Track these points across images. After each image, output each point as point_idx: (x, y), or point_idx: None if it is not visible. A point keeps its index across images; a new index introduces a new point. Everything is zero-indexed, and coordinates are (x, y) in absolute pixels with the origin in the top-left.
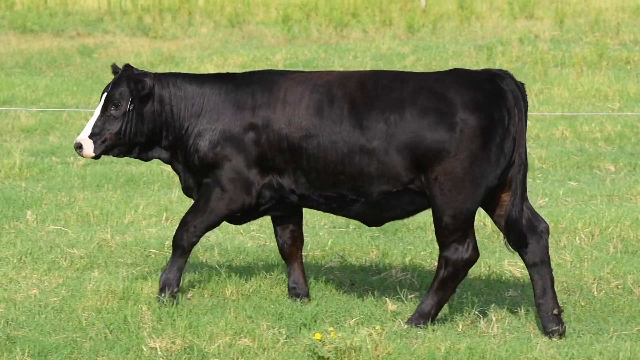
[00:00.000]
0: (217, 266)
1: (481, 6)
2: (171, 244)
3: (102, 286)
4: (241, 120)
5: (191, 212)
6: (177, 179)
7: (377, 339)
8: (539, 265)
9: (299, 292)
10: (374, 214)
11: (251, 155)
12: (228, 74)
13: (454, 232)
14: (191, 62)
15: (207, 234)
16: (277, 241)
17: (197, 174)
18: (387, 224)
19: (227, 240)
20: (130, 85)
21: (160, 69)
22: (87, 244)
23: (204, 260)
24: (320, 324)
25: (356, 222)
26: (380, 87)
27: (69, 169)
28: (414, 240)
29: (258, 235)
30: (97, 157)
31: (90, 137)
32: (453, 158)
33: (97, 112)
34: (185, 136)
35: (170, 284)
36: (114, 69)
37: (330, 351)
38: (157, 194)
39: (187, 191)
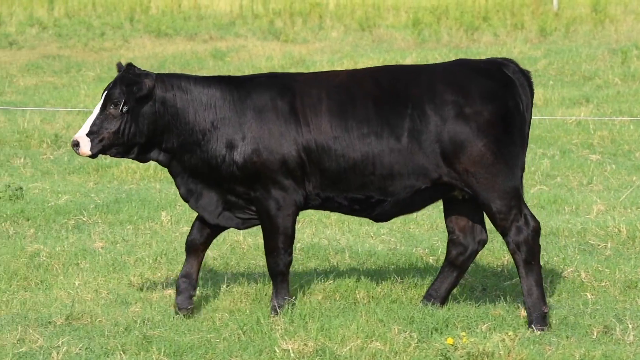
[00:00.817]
0: (348, 269)
1: (615, 9)
2: (269, 272)
3: (235, 287)
4: (268, 126)
5: (269, 236)
6: None
7: (510, 345)
8: (456, 267)
9: (185, 288)
10: (395, 212)
11: (285, 160)
12: (231, 77)
13: (509, 213)
14: (322, 65)
15: (338, 237)
16: (191, 233)
17: (233, 183)
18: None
19: (357, 244)
20: (125, 87)
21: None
22: (220, 245)
23: (335, 264)
24: (452, 329)
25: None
26: (397, 83)
27: None
28: (546, 245)
29: (388, 239)
30: (93, 155)
31: (87, 135)
32: (478, 147)
33: (97, 110)
34: (207, 144)
35: (283, 308)
36: (119, 67)
37: (462, 356)
38: None
39: (187, 195)
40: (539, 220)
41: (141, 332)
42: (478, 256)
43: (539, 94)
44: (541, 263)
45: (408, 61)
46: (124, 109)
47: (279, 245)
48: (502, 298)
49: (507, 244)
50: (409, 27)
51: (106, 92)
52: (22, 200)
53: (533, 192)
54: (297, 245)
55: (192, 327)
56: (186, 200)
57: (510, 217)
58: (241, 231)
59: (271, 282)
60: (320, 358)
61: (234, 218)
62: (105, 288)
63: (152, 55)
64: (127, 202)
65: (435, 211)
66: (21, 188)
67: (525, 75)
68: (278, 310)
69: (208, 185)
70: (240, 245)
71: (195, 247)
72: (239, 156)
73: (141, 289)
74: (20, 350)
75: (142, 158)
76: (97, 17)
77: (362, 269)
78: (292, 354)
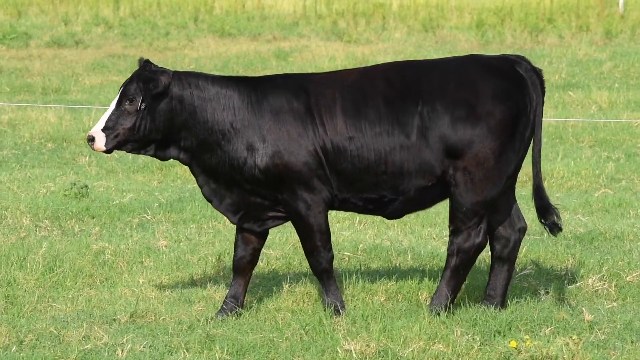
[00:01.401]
0: (410, 271)
1: None
2: (313, 272)
3: (297, 287)
4: (286, 128)
5: (305, 237)
6: None
7: (574, 349)
8: (505, 260)
9: (232, 308)
10: (407, 210)
11: (307, 160)
12: (246, 77)
13: (471, 219)
14: None
15: (400, 238)
16: (236, 253)
17: (257, 185)
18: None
19: (420, 245)
20: (141, 84)
21: None
22: (282, 245)
23: (397, 265)
24: (515, 332)
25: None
26: (408, 81)
27: None
28: (611, 249)
29: None
30: (108, 151)
31: (103, 130)
32: (485, 148)
33: (113, 105)
34: (228, 145)
35: (339, 302)
36: (140, 62)
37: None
38: None
39: (211, 195)
40: (486, 239)
41: (204, 331)
42: (541, 259)
43: (604, 96)
44: (605, 267)
45: None
46: (142, 106)
47: (317, 244)
48: (565, 301)
49: (450, 243)
50: (473, 29)
51: (122, 88)
52: (87, 198)
53: (597, 195)
54: (359, 246)
55: (254, 327)
56: (209, 200)
57: (469, 224)
58: None
59: (320, 282)
60: (382, 359)
61: (255, 219)
62: (168, 286)
63: (215, 55)
64: (190, 201)
65: None
66: (86, 186)
67: (537, 72)
68: (336, 306)
69: (230, 186)
70: None
71: (243, 267)
72: (260, 159)
73: (204, 288)
74: (86, 347)
75: (161, 155)
76: (161, 16)
77: (425, 271)
78: (354, 355)
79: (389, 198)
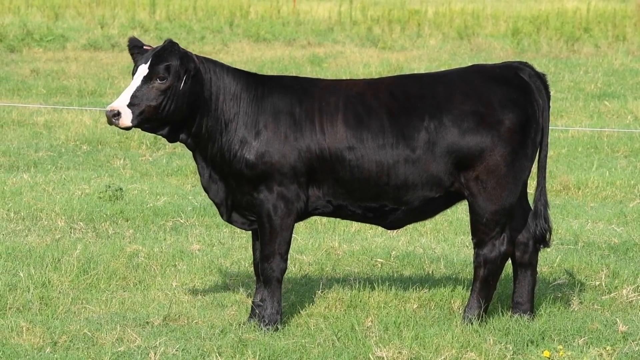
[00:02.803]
0: (443, 278)
1: None
2: (262, 277)
3: (329, 293)
4: (284, 129)
5: (268, 241)
6: None
7: None
8: (527, 266)
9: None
10: (409, 220)
11: (295, 165)
12: (256, 75)
13: (494, 229)
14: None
15: (433, 245)
16: (255, 257)
17: (240, 181)
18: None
19: (452, 253)
20: (185, 62)
21: None
22: (315, 251)
23: (430, 272)
24: (548, 342)
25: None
26: (414, 94)
27: None
28: None
29: None
30: (130, 128)
31: (129, 106)
32: (495, 157)
33: (137, 82)
34: (226, 135)
35: (275, 317)
36: (133, 41)
37: None
38: None
39: (208, 184)
40: (513, 245)
41: (237, 335)
42: (575, 269)
43: None
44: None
45: None
46: (186, 84)
47: (277, 251)
48: (599, 312)
49: (476, 255)
50: (508, 37)
51: (145, 64)
52: (121, 200)
53: (632, 205)
54: (392, 253)
55: (286, 332)
56: (206, 190)
57: (492, 234)
58: (336, 237)
59: (267, 289)
60: None
61: (241, 218)
62: (201, 290)
63: (250, 59)
64: None
65: None
66: (121, 189)
67: (542, 78)
68: (271, 317)
69: (224, 179)
70: (336, 251)
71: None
72: (249, 154)
73: (237, 292)
74: (119, 349)
75: (172, 137)
76: (197, 21)
77: (458, 279)
78: None
79: (391, 208)
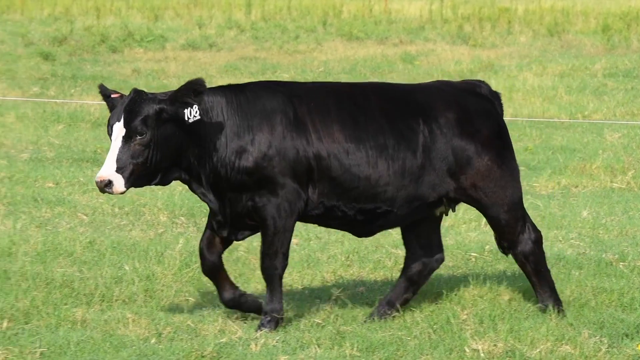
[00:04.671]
0: None
1: None
2: (264, 275)
3: (425, 287)
4: (277, 134)
5: (271, 240)
6: None
7: None
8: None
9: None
10: (391, 225)
11: (292, 168)
12: (230, 85)
13: (516, 225)
14: (510, 70)
15: None
16: (204, 259)
17: (241, 191)
18: None
19: (546, 248)
20: (188, 98)
21: (480, 77)
22: None
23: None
24: None
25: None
26: (404, 99)
27: None
28: None
29: (577, 244)
30: (125, 192)
31: (117, 171)
32: (484, 161)
33: (117, 143)
34: (216, 155)
35: (278, 312)
36: (102, 89)
37: None
38: None
39: (217, 207)
40: (538, 230)
41: (334, 328)
42: None
43: None
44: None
45: (597, 67)
46: (196, 116)
47: (279, 249)
48: None
49: (515, 255)
50: (599, 33)
51: (119, 123)
52: None
53: None
54: (486, 247)
55: (383, 325)
56: (216, 213)
57: (517, 230)
58: None
59: (267, 287)
60: (509, 359)
61: (235, 229)
62: (299, 283)
63: (343, 58)
64: None
65: (624, 217)
66: None
67: (497, 96)
68: (275, 315)
69: (221, 196)
70: None
71: (217, 270)
72: (247, 162)
73: (334, 285)
74: (221, 340)
75: (165, 181)
76: (291, 20)
77: (552, 273)
78: (481, 355)
79: (384, 210)
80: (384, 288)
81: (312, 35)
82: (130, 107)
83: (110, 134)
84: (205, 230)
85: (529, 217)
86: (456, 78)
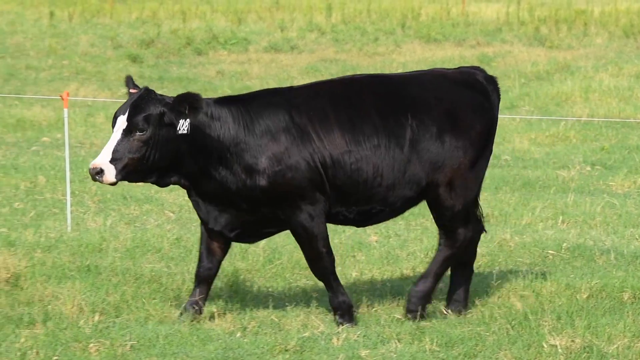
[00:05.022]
0: (613, 270)
1: None
2: (318, 277)
3: (503, 284)
4: (285, 145)
5: (310, 246)
6: (572, 184)
7: None
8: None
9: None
10: (384, 220)
11: (308, 179)
12: (236, 97)
13: (460, 220)
14: (586, 71)
15: (603, 238)
16: (202, 264)
17: (258, 206)
18: None
19: (622, 245)
20: (182, 108)
21: (556, 78)
22: (488, 243)
23: (601, 264)
24: None
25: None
26: (393, 94)
27: None
28: None
29: None
30: (115, 183)
31: (111, 162)
32: (466, 159)
33: (117, 135)
34: (223, 168)
35: (346, 303)
36: (128, 81)
37: None
38: (553, 197)
39: (207, 217)
40: (482, 228)
41: (415, 323)
42: None
43: None
44: None
45: None
46: (184, 130)
47: (321, 250)
48: None
49: (444, 239)
50: None
51: (123, 116)
52: None
53: None
54: (563, 245)
55: (462, 320)
56: (206, 222)
57: (459, 223)
58: (507, 230)
59: (326, 287)
60: (587, 355)
61: (250, 235)
62: (379, 280)
63: (421, 59)
64: None
65: None
66: None
67: (493, 80)
68: (342, 309)
69: (226, 207)
70: (508, 243)
71: (209, 277)
72: (266, 179)
73: (413, 282)
74: (304, 335)
75: (161, 182)
76: (371, 23)
77: (628, 271)
78: (559, 350)
79: (378, 209)
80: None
81: (391, 38)
82: (137, 102)
83: (113, 125)
84: (202, 241)
85: (474, 213)
86: (533, 80)
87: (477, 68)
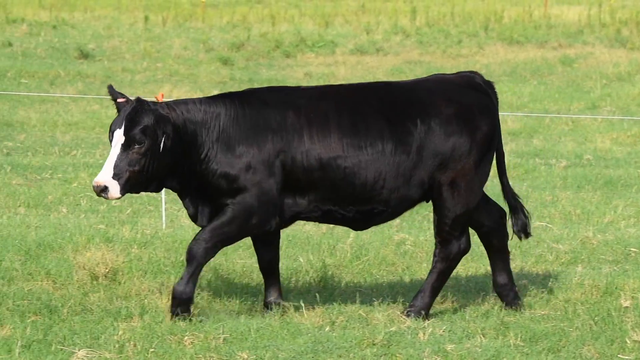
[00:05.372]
0: None
1: None
2: (189, 257)
3: (586, 280)
4: (268, 143)
5: (215, 228)
6: None
7: None
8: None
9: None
10: (385, 221)
11: (280, 177)
12: (232, 93)
13: (458, 228)
14: None
15: None
16: (261, 260)
17: (222, 197)
18: None
19: None
20: (162, 125)
21: (637, 79)
22: (570, 240)
23: None
24: None
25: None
26: (400, 100)
27: (551, 170)
28: None
29: None
30: (120, 198)
31: (114, 177)
32: (470, 161)
33: (116, 150)
34: (205, 162)
35: (188, 297)
36: (111, 91)
37: None
38: (635, 195)
39: (195, 214)
40: (470, 244)
41: (499, 318)
42: None
43: None
44: None
45: None
46: (165, 145)
47: (216, 241)
48: None
49: (438, 252)
50: None
51: (119, 130)
52: None
53: None
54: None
55: (545, 316)
56: (194, 219)
57: (456, 233)
58: (590, 227)
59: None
60: None
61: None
62: (463, 276)
63: (504, 61)
64: None
65: None
66: None
67: (491, 85)
68: (186, 298)
69: (210, 201)
70: (590, 241)
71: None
72: (236, 172)
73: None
74: (391, 329)
75: (159, 189)
76: (454, 26)
77: None
78: None
79: (379, 210)
80: (545, 281)
81: (474, 40)
82: (132, 116)
83: (110, 140)
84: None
85: (467, 228)
86: (615, 81)
87: (475, 73)
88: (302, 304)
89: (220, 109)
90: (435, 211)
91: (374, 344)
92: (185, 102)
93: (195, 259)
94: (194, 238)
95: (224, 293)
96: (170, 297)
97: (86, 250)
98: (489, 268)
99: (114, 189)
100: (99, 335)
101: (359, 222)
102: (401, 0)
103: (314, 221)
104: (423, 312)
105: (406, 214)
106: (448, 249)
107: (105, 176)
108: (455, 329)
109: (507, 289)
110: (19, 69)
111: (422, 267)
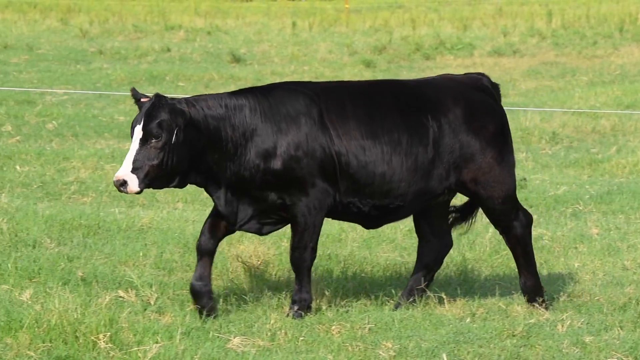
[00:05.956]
0: None
1: None
2: (294, 267)
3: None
4: (303, 128)
5: (302, 235)
6: None
7: None
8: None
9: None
10: (400, 218)
11: (321, 167)
12: (252, 88)
13: (510, 214)
14: None
15: None
16: (201, 236)
17: (272, 193)
18: None
19: None
20: (173, 117)
21: None
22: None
23: None
24: None
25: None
26: (414, 95)
27: None
28: None
29: None
30: (140, 192)
31: (132, 171)
32: (487, 159)
33: (135, 145)
34: (238, 157)
35: (308, 303)
36: (134, 93)
37: None
38: None
39: (230, 217)
40: (529, 214)
41: (636, 311)
42: None
43: None
44: None
45: None
46: (176, 139)
47: (309, 243)
48: None
49: (508, 240)
50: None
51: (139, 125)
52: (525, 189)
53: None
54: None
55: None
56: (226, 217)
57: (510, 218)
58: None
59: (296, 278)
60: None
61: (257, 224)
62: (601, 270)
63: (639, 62)
64: (618, 194)
65: None
66: (525, 179)
67: (496, 87)
68: (305, 304)
69: (242, 197)
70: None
71: (210, 247)
72: (275, 164)
73: (635, 272)
74: (530, 321)
75: (183, 184)
76: (589, 27)
77: None
78: None
79: (396, 205)
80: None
81: (609, 41)
82: (150, 111)
83: (132, 135)
84: (210, 216)
85: (519, 202)
86: None
87: (482, 74)
88: (444, 296)
89: (244, 103)
90: (482, 209)
91: (513, 335)
92: (205, 98)
93: (300, 267)
94: (290, 248)
95: (369, 284)
96: (290, 305)
97: (239, 243)
98: (625, 262)
99: (133, 182)
100: (253, 324)
101: (373, 219)
102: (537, 4)
103: (328, 217)
104: (537, 295)
105: (544, 210)
106: (512, 233)
107: (124, 170)
108: (592, 321)
109: (410, 301)
110: (177, 72)
111: (559, 262)
